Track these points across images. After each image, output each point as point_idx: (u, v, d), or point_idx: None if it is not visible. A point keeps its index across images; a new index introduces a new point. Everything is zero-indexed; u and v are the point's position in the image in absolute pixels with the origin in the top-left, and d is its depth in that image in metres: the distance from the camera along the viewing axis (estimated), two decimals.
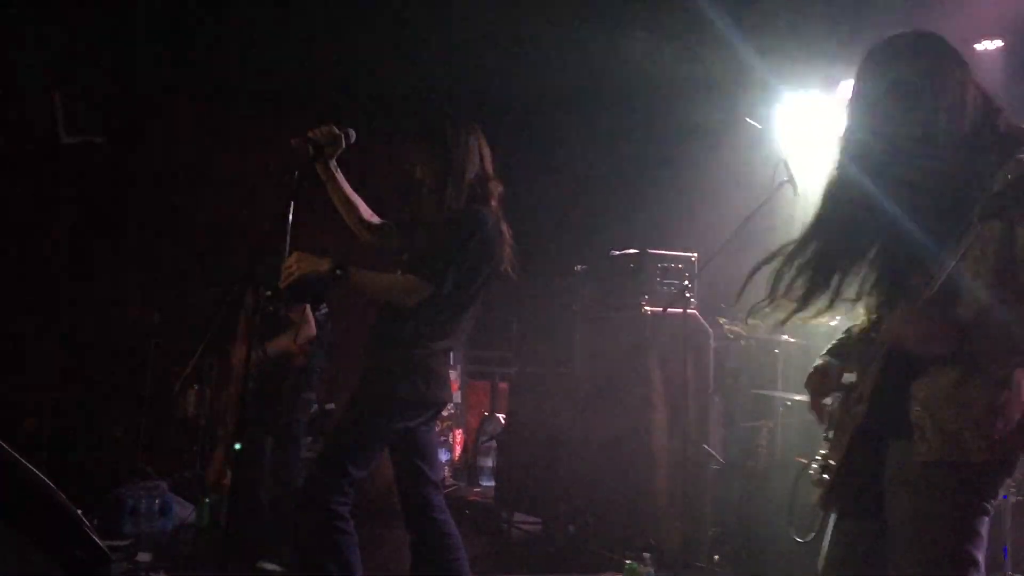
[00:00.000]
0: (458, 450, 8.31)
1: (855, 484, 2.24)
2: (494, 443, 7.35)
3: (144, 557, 4.93)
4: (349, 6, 6.60)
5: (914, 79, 2.16)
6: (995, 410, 2.03)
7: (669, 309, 5.18)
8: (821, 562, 2.37)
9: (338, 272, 3.19)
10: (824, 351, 2.48)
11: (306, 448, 5.07)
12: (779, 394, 5.51)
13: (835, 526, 2.35)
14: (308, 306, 4.94)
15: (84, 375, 7.37)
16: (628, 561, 4.66)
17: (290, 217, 3.13)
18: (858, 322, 2.41)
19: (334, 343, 5.32)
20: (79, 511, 2.41)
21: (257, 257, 5.00)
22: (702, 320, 5.49)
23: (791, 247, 2.40)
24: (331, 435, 3.47)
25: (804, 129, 6.94)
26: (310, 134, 3.32)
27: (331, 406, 6.47)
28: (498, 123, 3.97)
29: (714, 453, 5.53)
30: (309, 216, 3.20)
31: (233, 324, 4.99)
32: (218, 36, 7.00)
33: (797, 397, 5.29)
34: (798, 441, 5.44)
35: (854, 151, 2.23)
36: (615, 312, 5.67)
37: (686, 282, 5.26)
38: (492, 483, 7.08)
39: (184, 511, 5.93)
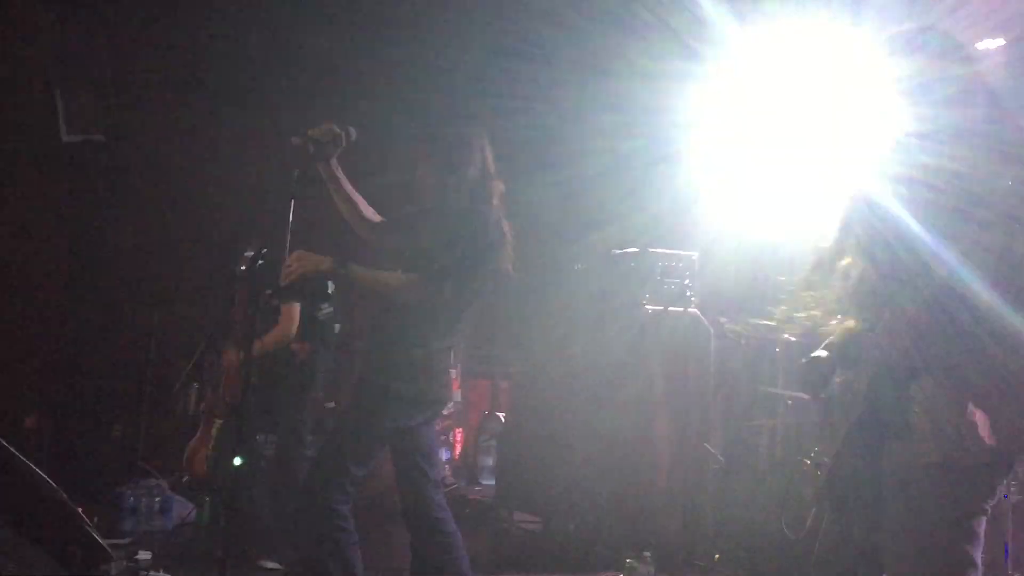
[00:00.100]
0: (458, 449, 8.31)
1: (849, 480, 2.24)
2: (494, 442, 7.35)
3: (144, 555, 4.92)
4: (351, 4, 6.60)
5: (915, 75, 2.15)
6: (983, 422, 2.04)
7: (670, 308, 5.18)
8: (815, 556, 2.37)
9: (339, 270, 3.19)
10: (821, 346, 2.48)
11: (308, 446, 5.06)
12: (780, 393, 5.51)
13: (829, 521, 2.35)
14: (295, 305, 4.91)
15: (84, 373, 7.37)
16: (628, 560, 4.66)
17: (291, 215, 3.13)
18: (854, 322, 2.41)
19: (338, 343, 5.30)
20: (79, 510, 2.41)
21: (258, 256, 5.01)
22: (703, 319, 5.49)
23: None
24: (332, 433, 3.47)
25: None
26: (311, 133, 3.31)
27: (331, 405, 6.46)
28: (499, 122, 3.97)
29: (715, 452, 5.53)
30: (310, 215, 3.19)
31: (230, 323, 4.98)
32: (219, 35, 7.00)
33: (798, 396, 5.30)
34: (799, 440, 5.45)
35: (860, 149, 2.23)
36: (616, 311, 5.67)
37: (687, 281, 5.25)
38: (492, 482, 7.08)
39: (184, 510, 5.93)
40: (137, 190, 7.68)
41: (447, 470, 7.66)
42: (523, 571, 5.28)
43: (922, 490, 2.08)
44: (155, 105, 7.49)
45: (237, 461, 3.63)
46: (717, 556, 5.11)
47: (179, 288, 7.27)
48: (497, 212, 3.40)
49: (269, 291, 3.25)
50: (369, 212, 3.55)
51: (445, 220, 3.31)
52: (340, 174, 3.45)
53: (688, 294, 5.20)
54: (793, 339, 5.58)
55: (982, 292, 2.03)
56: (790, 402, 5.52)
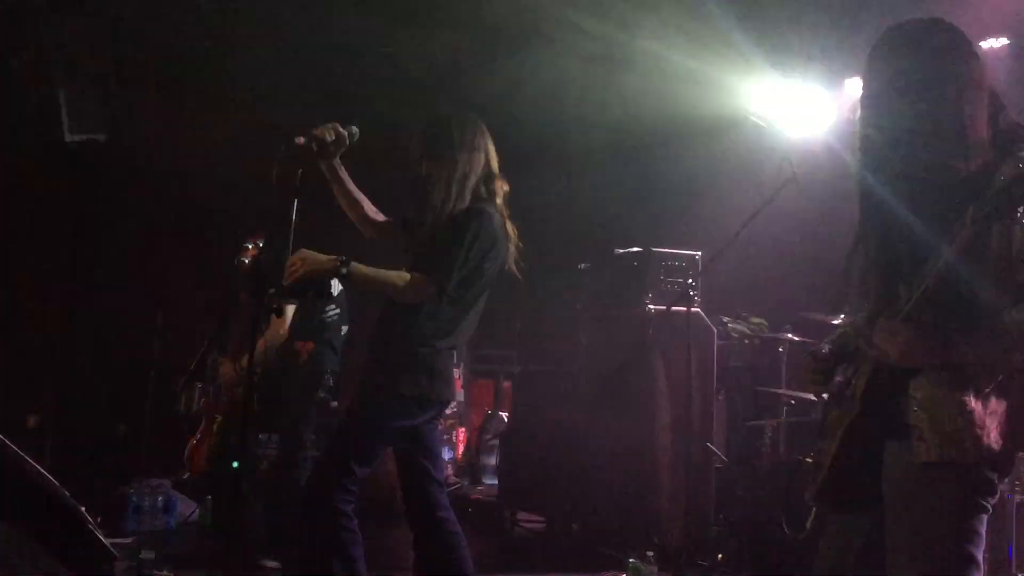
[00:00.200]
0: (461, 448, 8.31)
1: (848, 480, 2.24)
2: (497, 441, 7.35)
3: (148, 555, 4.93)
4: (356, 4, 6.60)
5: (916, 70, 2.14)
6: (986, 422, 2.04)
7: (673, 307, 5.17)
8: (816, 558, 2.36)
9: (342, 270, 3.18)
10: (824, 342, 2.47)
11: (311, 447, 5.06)
12: (783, 392, 5.51)
13: (829, 522, 2.34)
14: (291, 306, 4.90)
15: (88, 373, 7.38)
16: (631, 560, 4.66)
17: (294, 215, 3.13)
18: (853, 320, 2.41)
19: (343, 344, 5.29)
20: (83, 509, 2.41)
21: (261, 255, 5.01)
22: (706, 318, 5.49)
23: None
24: (335, 433, 3.47)
25: (807, 127, 6.94)
26: (314, 132, 3.31)
27: (334, 404, 6.46)
28: (502, 122, 3.96)
29: (717, 452, 5.53)
30: (313, 214, 3.19)
31: (229, 330, 4.98)
32: (221, 35, 7.00)
33: (800, 395, 5.29)
34: (801, 440, 5.45)
35: (862, 145, 2.22)
36: (619, 310, 5.67)
37: (690, 280, 5.25)
38: (495, 481, 7.08)
39: (188, 509, 5.94)
40: (140, 190, 7.69)
41: (450, 470, 7.66)
42: (526, 571, 5.29)
43: (922, 489, 2.07)
44: (158, 105, 7.50)
45: (234, 464, 3.63)
46: (720, 555, 5.10)
47: (182, 287, 7.28)
48: (501, 211, 3.40)
49: (272, 290, 3.24)
50: (372, 211, 3.55)
51: (449, 220, 3.31)
52: (343, 173, 3.46)
53: (691, 294, 5.19)
54: (796, 338, 5.58)
55: (980, 288, 2.02)
56: (793, 402, 5.52)
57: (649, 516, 5.26)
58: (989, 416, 2.04)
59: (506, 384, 8.28)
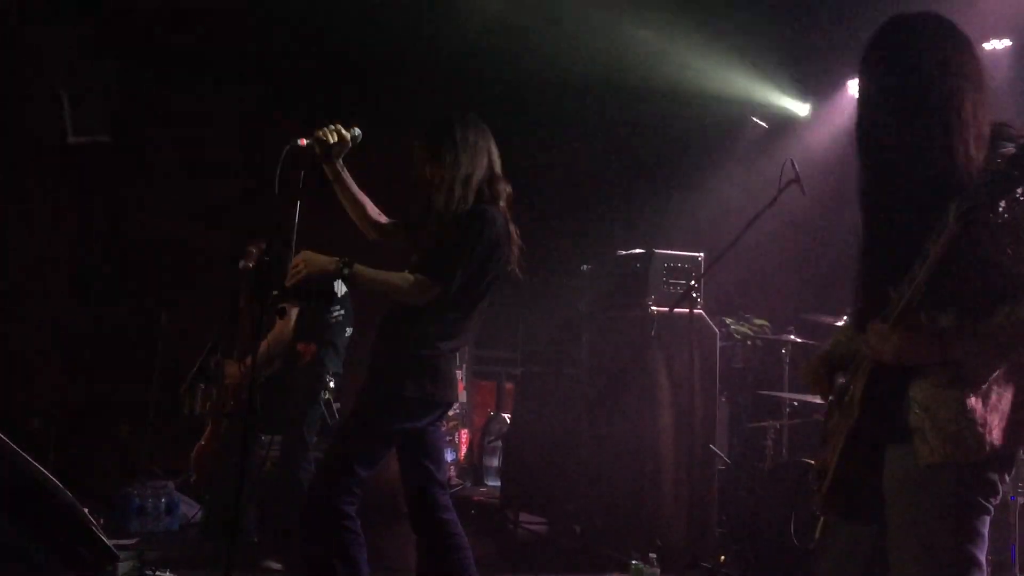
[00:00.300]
0: (464, 450, 8.32)
1: (851, 488, 2.23)
2: (500, 443, 7.35)
3: (150, 556, 4.93)
4: (356, 4, 6.60)
5: (912, 68, 2.14)
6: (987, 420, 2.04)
7: (675, 309, 5.17)
8: (821, 567, 2.35)
9: (345, 271, 3.18)
10: (823, 349, 2.47)
11: (314, 448, 5.07)
12: (785, 394, 5.50)
13: (834, 531, 2.33)
14: (293, 309, 4.90)
15: (91, 374, 7.38)
16: (634, 561, 4.66)
17: (297, 216, 3.14)
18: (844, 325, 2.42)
19: (348, 346, 5.29)
20: (86, 510, 2.41)
21: (263, 257, 5.01)
22: (708, 320, 5.49)
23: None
24: (338, 434, 3.47)
25: (809, 128, 6.94)
26: (317, 133, 3.32)
27: (337, 406, 6.46)
28: (505, 123, 3.97)
29: (720, 453, 5.53)
30: (316, 215, 3.20)
31: (233, 331, 4.99)
32: (224, 36, 7.01)
33: (803, 397, 5.29)
34: (804, 441, 5.44)
35: (858, 145, 2.23)
36: (621, 312, 5.66)
37: (692, 282, 5.25)
38: (498, 483, 7.08)
39: (190, 510, 5.94)
40: (144, 190, 7.70)
41: (452, 471, 7.66)
42: (528, 572, 5.28)
43: (925, 491, 2.07)
44: (161, 106, 7.51)
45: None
46: (723, 557, 5.10)
47: (186, 288, 7.28)
48: (504, 213, 3.40)
49: (275, 292, 3.25)
50: (375, 213, 3.55)
51: (452, 221, 3.31)
52: (346, 175, 3.46)
53: (694, 295, 5.19)
54: (799, 340, 5.58)
55: (969, 285, 2.02)
56: (795, 403, 5.51)
57: (651, 518, 5.26)
58: (990, 413, 2.04)
59: (508, 386, 8.28)
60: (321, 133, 3.32)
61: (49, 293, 7.34)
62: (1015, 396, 2.08)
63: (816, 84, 7.05)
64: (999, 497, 2.10)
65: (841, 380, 2.33)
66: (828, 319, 5.32)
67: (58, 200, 7.46)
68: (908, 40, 2.17)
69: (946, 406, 2.04)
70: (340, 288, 4.97)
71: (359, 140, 3.37)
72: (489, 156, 3.41)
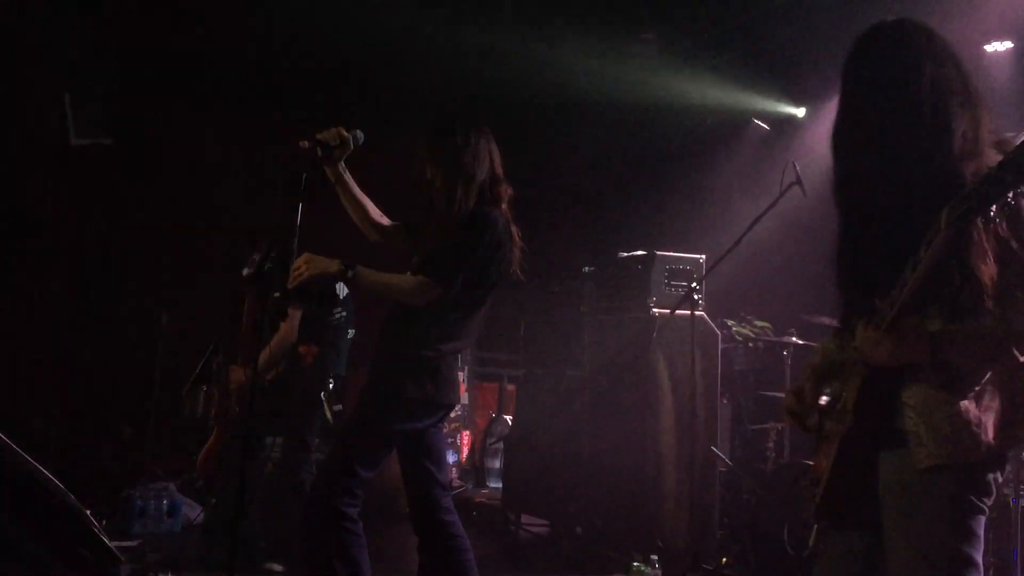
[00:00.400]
0: (465, 452, 8.32)
1: (846, 496, 2.23)
2: (501, 445, 7.35)
3: (152, 557, 4.94)
4: (358, 7, 6.61)
5: (889, 73, 2.15)
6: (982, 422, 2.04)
7: (677, 311, 5.17)
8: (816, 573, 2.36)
9: (347, 273, 3.19)
10: (807, 372, 2.46)
11: (316, 450, 5.07)
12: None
13: (829, 539, 2.33)
14: (295, 312, 4.90)
15: (93, 375, 7.39)
16: (635, 563, 4.66)
17: (299, 219, 3.14)
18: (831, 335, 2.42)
19: (350, 347, 5.29)
20: (88, 512, 2.41)
21: (265, 259, 5.00)
22: (710, 322, 5.49)
23: None
24: (340, 436, 3.47)
25: (810, 129, 6.94)
26: (318, 136, 3.32)
27: (339, 408, 6.47)
28: (507, 125, 3.97)
29: (722, 455, 5.52)
30: (318, 217, 3.20)
31: (236, 335, 4.98)
32: (227, 37, 7.02)
33: None
34: (806, 443, 5.44)
35: (834, 153, 2.25)
36: (623, 314, 5.66)
37: (694, 284, 5.25)
38: (499, 485, 7.08)
39: (192, 512, 5.95)
40: (145, 192, 7.71)
41: (454, 473, 7.67)
42: (530, 574, 5.28)
43: (921, 495, 2.07)
44: (163, 108, 7.52)
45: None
46: (724, 559, 5.10)
47: (188, 289, 7.29)
48: (506, 215, 3.40)
49: (277, 294, 3.25)
50: (377, 215, 3.55)
51: (453, 223, 3.31)
52: (348, 177, 3.46)
53: (695, 297, 5.19)
54: (800, 341, 5.58)
55: (960, 290, 2.02)
56: None
57: (653, 519, 5.26)
58: (985, 414, 2.05)
59: (510, 387, 8.28)
60: (323, 135, 3.32)
61: (50, 294, 7.34)
62: (1008, 396, 2.09)
63: (815, 86, 7.04)
64: (993, 498, 2.11)
65: (825, 398, 2.33)
66: (829, 320, 5.31)
67: (59, 201, 7.47)
68: (888, 52, 2.19)
69: (940, 409, 2.05)
70: (342, 290, 4.97)
71: (360, 142, 3.38)
72: (490, 158, 3.41)
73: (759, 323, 6.21)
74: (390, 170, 4.91)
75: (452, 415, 6.61)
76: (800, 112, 7.42)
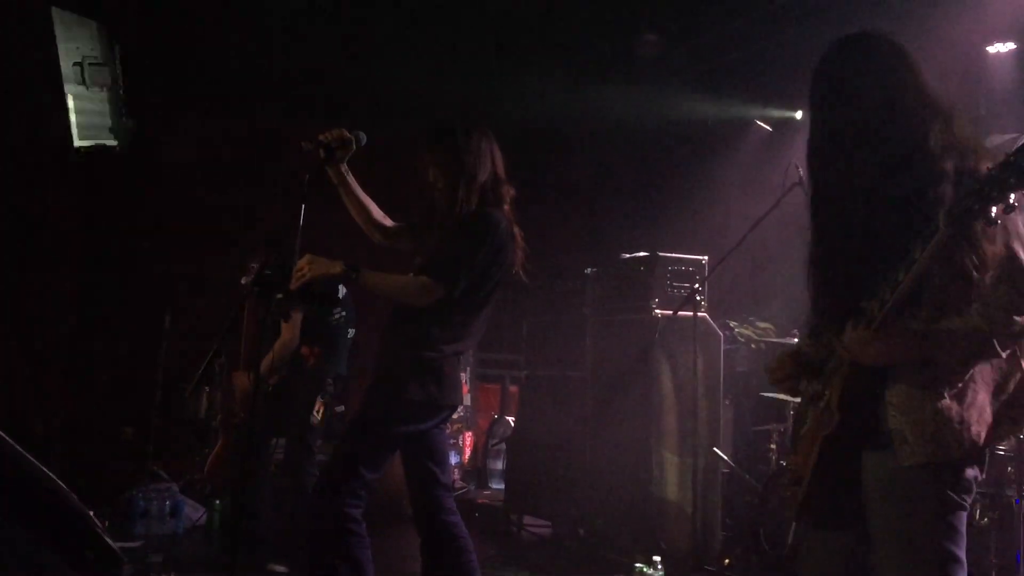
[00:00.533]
0: (468, 453, 8.31)
1: (829, 495, 2.24)
2: (504, 446, 7.35)
3: (155, 558, 4.94)
4: (360, 9, 6.62)
5: (855, 81, 2.19)
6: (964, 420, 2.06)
7: (679, 312, 5.17)
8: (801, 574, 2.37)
9: (350, 274, 3.19)
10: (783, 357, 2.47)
11: (318, 451, 5.07)
12: (789, 398, 5.49)
13: (812, 538, 2.34)
14: (296, 314, 4.90)
15: (95, 376, 7.40)
16: (638, 564, 4.65)
17: (301, 220, 3.14)
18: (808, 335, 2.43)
19: (350, 348, 5.29)
20: (90, 513, 2.41)
21: (268, 259, 5.01)
22: (712, 323, 5.49)
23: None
24: (343, 438, 3.47)
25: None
26: (321, 137, 3.33)
27: (341, 408, 6.47)
28: (508, 126, 3.98)
29: (724, 456, 5.52)
30: (320, 218, 3.20)
31: (238, 341, 4.98)
32: (229, 40, 7.02)
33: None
34: None
35: (808, 162, 2.29)
36: (625, 315, 5.66)
37: (696, 285, 5.25)
38: (502, 486, 7.08)
39: (195, 513, 5.95)
40: (147, 193, 7.72)
41: (456, 474, 7.66)
42: (532, 575, 5.28)
43: (905, 492, 2.09)
44: (167, 110, 7.53)
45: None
46: (727, 561, 5.10)
47: (190, 290, 7.30)
48: (508, 216, 3.40)
49: (280, 295, 3.25)
50: (380, 216, 3.55)
51: (456, 224, 3.31)
52: (351, 178, 3.47)
53: (698, 298, 5.19)
54: None
55: (951, 289, 2.04)
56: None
57: (655, 521, 5.25)
58: (967, 411, 2.07)
59: (512, 389, 8.28)
60: (325, 136, 3.32)
61: (53, 295, 7.35)
62: (989, 393, 2.10)
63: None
64: (973, 495, 2.13)
65: (804, 389, 2.34)
66: None
67: (63, 203, 7.47)
68: (855, 64, 2.23)
69: (923, 407, 2.07)
70: (340, 290, 4.98)
71: (363, 143, 3.38)
72: (492, 159, 3.41)
73: (761, 324, 6.21)
74: (393, 171, 4.92)
75: (455, 416, 6.62)
76: (798, 115, 7.42)
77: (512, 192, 3.43)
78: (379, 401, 3.32)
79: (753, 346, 6.15)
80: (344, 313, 5.13)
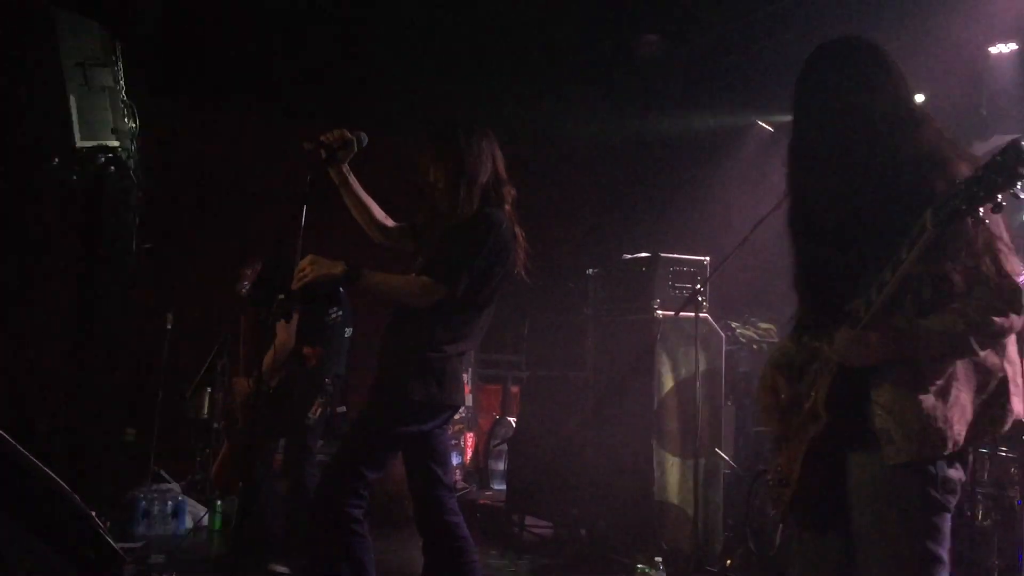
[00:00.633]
0: (469, 453, 8.31)
1: (818, 497, 2.24)
2: (505, 446, 7.34)
3: (157, 559, 4.94)
4: (360, 9, 6.62)
5: (838, 86, 2.20)
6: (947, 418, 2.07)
7: (681, 313, 5.17)
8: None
9: (352, 275, 3.19)
10: (771, 370, 2.46)
11: (318, 451, 5.07)
12: None
13: (802, 540, 2.34)
14: (295, 315, 4.90)
15: (97, 377, 7.39)
16: (639, 565, 4.65)
17: (303, 220, 3.14)
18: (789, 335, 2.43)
19: (349, 348, 5.28)
20: (93, 513, 2.42)
21: (270, 260, 5.01)
22: (714, 324, 5.48)
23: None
24: (345, 438, 3.47)
25: None
26: (322, 138, 3.32)
27: (343, 409, 6.47)
28: (510, 127, 3.98)
29: (726, 457, 5.52)
30: (322, 219, 3.20)
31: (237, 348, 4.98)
32: (230, 42, 7.03)
33: None
34: None
35: (789, 167, 2.29)
36: (627, 315, 5.66)
37: (698, 286, 5.24)
38: (503, 487, 7.08)
39: (197, 514, 5.95)
40: (149, 194, 7.71)
41: (458, 475, 7.66)
42: None
43: (890, 493, 2.10)
44: (168, 111, 7.53)
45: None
46: (729, 562, 5.09)
47: (192, 292, 7.30)
48: (510, 216, 3.40)
49: (281, 296, 3.25)
50: (381, 216, 3.55)
51: (458, 224, 3.31)
52: (352, 179, 3.46)
53: (699, 299, 5.19)
54: None
55: (934, 288, 2.05)
56: None
57: (657, 522, 5.25)
58: (950, 409, 2.08)
59: (514, 389, 8.28)
60: (327, 137, 3.32)
61: (54, 296, 7.35)
62: (971, 392, 2.11)
63: None
64: (958, 496, 2.13)
65: (784, 395, 2.35)
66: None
67: (64, 205, 7.47)
68: (838, 70, 2.24)
69: (910, 406, 2.08)
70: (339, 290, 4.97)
71: (364, 144, 3.38)
72: (494, 159, 3.41)
73: (763, 325, 6.21)
74: (394, 171, 4.91)
75: (456, 417, 6.62)
76: None
77: (513, 192, 3.43)
78: (381, 401, 3.32)
79: (755, 347, 6.15)
80: (341, 312, 5.12)
